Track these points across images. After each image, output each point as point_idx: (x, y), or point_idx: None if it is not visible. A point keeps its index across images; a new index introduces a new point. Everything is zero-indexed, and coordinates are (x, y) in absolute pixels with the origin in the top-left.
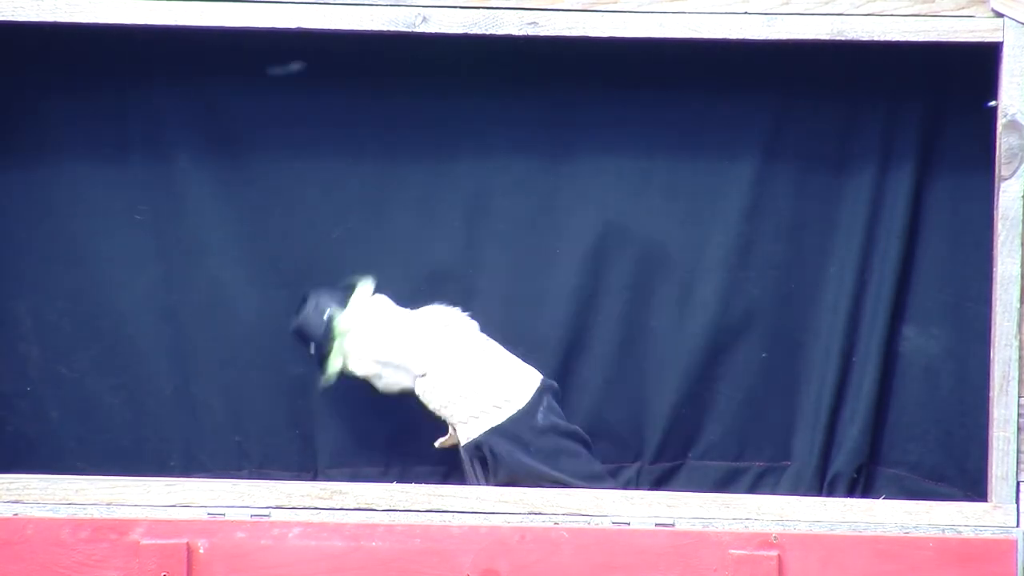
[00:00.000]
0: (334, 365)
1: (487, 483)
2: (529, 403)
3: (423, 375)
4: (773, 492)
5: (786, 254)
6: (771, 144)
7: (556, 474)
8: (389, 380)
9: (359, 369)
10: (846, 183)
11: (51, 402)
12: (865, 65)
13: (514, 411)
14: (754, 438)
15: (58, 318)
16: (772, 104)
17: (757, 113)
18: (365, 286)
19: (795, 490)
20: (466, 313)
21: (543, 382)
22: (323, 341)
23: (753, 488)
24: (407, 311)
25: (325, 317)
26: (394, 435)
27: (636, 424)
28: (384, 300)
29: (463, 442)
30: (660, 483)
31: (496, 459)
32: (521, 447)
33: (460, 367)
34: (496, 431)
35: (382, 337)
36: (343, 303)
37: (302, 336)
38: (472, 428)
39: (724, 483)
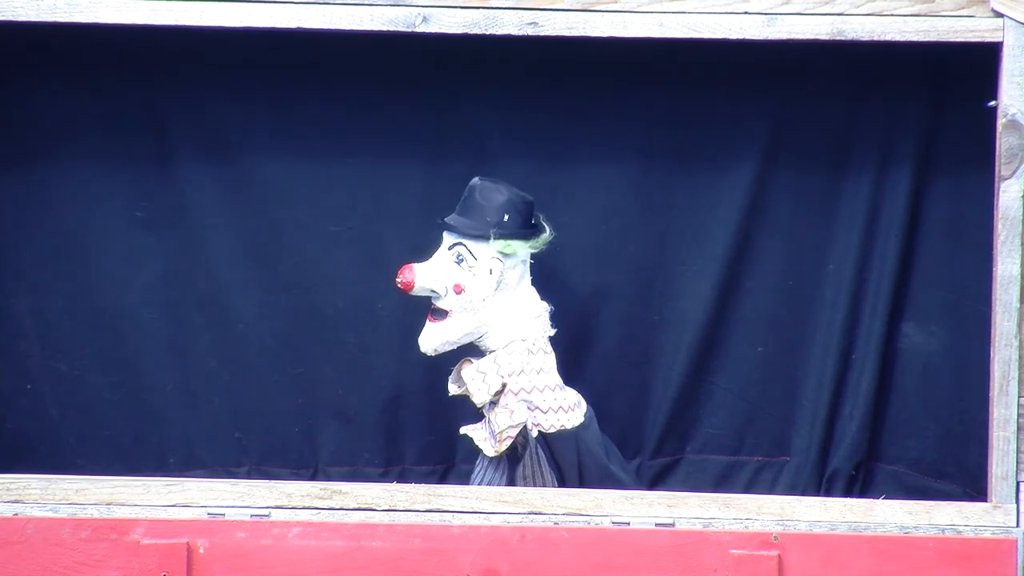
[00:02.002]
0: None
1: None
2: (589, 409)
3: (506, 346)
4: (771, 487)
5: (785, 251)
6: (771, 142)
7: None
8: (470, 325)
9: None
10: (846, 181)
11: (51, 400)
12: (865, 65)
13: (585, 413)
14: (752, 434)
15: (58, 316)
16: (772, 102)
17: (757, 111)
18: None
19: (793, 486)
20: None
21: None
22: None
23: (751, 483)
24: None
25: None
26: (394, 434)
27: (636, 419)
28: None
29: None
30: (659, 478)
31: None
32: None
33: (547, 358)
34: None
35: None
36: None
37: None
38: (557, 419)
39: (722, 478)
